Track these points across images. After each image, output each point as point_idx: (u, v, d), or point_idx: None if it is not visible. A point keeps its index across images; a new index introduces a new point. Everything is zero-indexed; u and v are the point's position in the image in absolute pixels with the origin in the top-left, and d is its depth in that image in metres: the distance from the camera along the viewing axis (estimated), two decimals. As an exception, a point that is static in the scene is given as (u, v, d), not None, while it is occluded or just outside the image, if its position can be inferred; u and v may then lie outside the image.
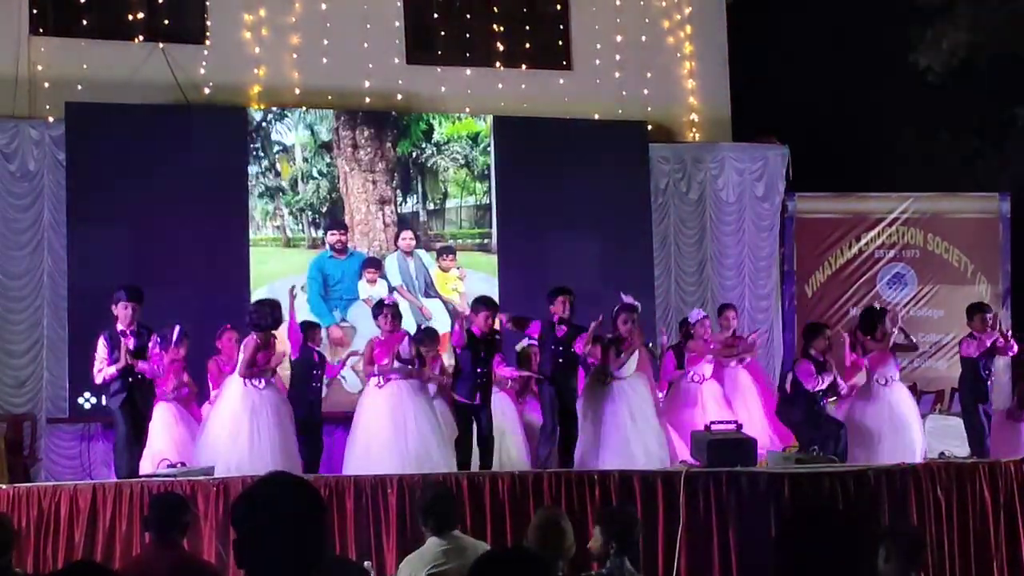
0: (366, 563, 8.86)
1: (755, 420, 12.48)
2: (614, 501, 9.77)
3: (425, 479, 9.73)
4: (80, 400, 13.65)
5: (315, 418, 11.77)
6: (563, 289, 11.47)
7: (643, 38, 16.53)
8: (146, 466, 10.54)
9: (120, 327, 10.40)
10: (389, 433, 10.95)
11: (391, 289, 14.60)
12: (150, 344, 10.44)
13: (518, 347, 12.65)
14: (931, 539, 10.05)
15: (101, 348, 10.41)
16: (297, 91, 15.25)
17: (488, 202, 15.47)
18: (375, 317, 11.68)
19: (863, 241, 16.53)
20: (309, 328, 12.26)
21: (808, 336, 12.21)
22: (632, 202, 15.73)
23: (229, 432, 10.75)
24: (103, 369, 10.36)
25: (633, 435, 11.16)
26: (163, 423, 11.47)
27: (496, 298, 14.43)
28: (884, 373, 12.29)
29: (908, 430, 12.12)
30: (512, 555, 4.14)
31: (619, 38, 16.41)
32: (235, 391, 10.96)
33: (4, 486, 10.02)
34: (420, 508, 6.81)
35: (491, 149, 15.42)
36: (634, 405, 11.30)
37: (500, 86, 16.05)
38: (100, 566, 4.14)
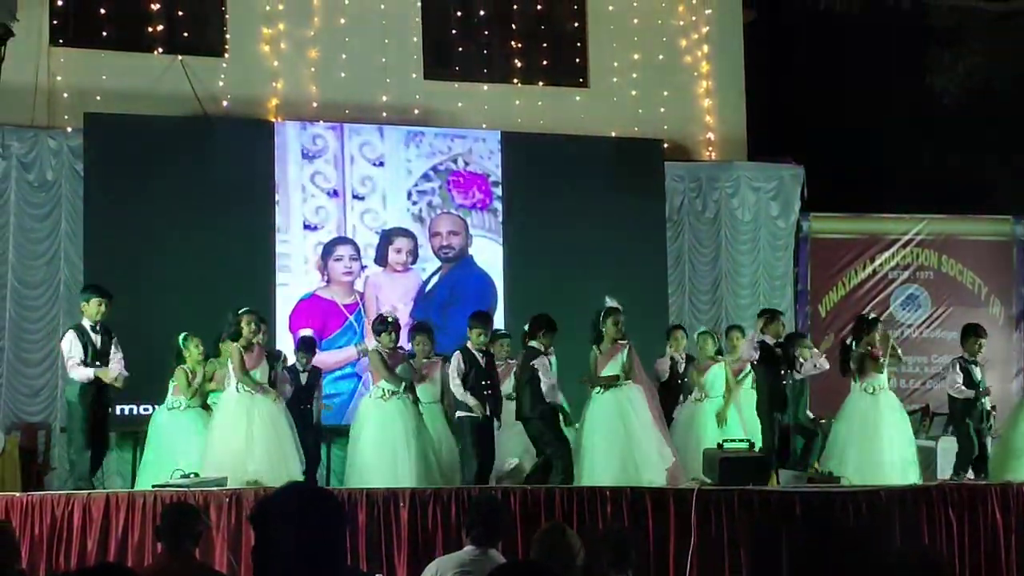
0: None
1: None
2: (626, 518, 9.79)
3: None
4: (94, 410, 13.67)
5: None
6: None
7: (660, 57, 16.58)
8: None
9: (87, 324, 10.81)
10: (383, 448, 11.02)
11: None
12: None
13: None
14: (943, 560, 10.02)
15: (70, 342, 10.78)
16: (315, 104, 15.32)
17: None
18: (377, 333, 11.70)
19: (877, 262, 16.54)
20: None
21: (765, 319, 12.28)
22: (647, 220, 15.75)
23: (229, 441, 10.80)
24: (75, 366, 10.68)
25: (630, 447, 11.11)
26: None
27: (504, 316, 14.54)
28: (870, 382, 12.23)
29: (879, 439, 11.97)
30: (524, 567, 4.16)
31: (636, 56, 16.46)
32: (230, 399, 11.03)
33: (18, 494, 10.07)
34: (469, 516, 6.86)
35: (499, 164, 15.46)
36: (629, 416, 11.25)
37: (517, 102, 16.11)
38: (127, 569, 4.15)
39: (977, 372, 12.43)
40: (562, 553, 6.33)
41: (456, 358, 11.26)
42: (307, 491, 3.76)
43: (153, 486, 10.17)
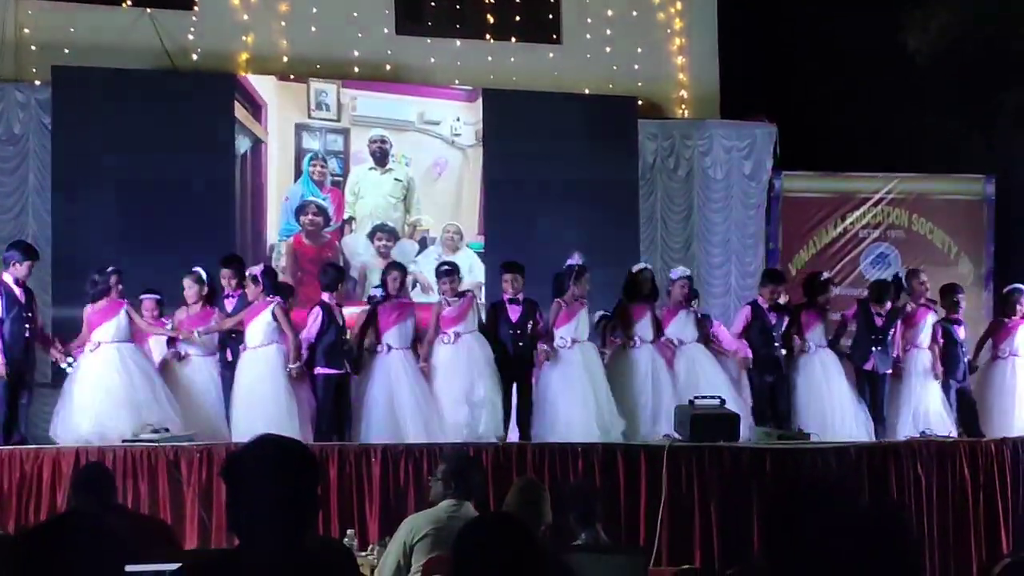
0: (349, 531, 8.90)
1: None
2: (597, 474, 9.82)
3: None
4: (63, 366, 13.56)
5: None
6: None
7: (634, 13, 16.49)
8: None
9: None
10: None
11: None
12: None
13: None
14: (911, 516, 10.12)
15: None
16: (285, 59, 15.19)
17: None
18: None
19: (848, 221, 16.57)
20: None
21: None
22: (620, 177, 15.73)
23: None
24: None
25: (584, 403, 11.05)
26: None
27: (482, 273, 14.54)
28: (811, 339, 12.25)
29: (823, 397, 11.98)
30: (497, 519, 4.17)
31: (610, 12, 16.37)
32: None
33: (-14, 449, 10.03)
34: (445, 472, 6.83)
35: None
36: (585, 372, 11.20)
37: (490, 59, 16.00)
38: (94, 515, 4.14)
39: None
40: (534, 508, 6.36)
41: (315, 313, 11.17)
42: (279, 444, 3.71)
43: (123, 441, 10.13)
